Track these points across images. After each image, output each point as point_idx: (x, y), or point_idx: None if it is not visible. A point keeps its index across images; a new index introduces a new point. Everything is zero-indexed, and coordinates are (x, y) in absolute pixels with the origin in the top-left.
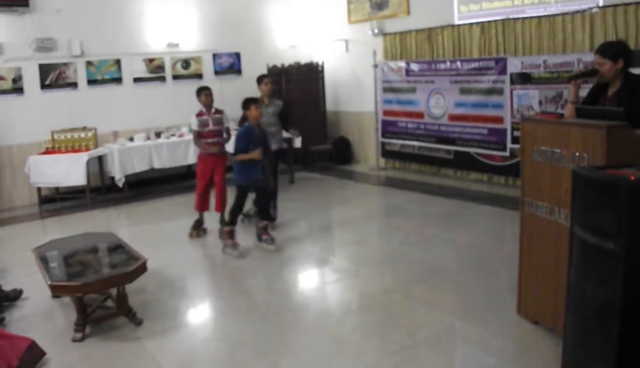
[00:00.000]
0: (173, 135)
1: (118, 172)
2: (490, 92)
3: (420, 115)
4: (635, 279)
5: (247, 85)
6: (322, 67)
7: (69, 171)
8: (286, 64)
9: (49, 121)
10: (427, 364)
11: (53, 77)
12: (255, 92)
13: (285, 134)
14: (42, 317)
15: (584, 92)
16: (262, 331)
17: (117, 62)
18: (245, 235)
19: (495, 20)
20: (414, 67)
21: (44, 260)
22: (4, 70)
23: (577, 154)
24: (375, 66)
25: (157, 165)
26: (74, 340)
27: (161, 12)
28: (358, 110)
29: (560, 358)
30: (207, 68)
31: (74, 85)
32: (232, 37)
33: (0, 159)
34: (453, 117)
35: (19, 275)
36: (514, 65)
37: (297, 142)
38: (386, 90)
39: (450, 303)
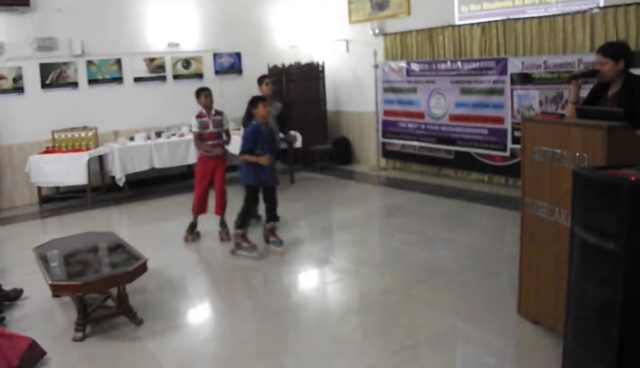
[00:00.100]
0: (173, 134)
1: (118, 172)
2: (490, 92)
3: (420, 115)
4: (635, 279)
5: (247, 85)
6: (323, 67)
7: (70, 171)
8: (287, 64)
9: (49, 121)
10: (427, 364)
11: (54, 77)
12: (255, 92)
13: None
14: (42, 316)
15: (584, 92)
16: (263, 331)
17: (118, 62)
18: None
19: (496, 21)
20: (415, 67)
21: (44, 260)
22: (4, 70)
23: (577, 154)
24: (376, 66)
25: (157, 164)
26: (75, 340)
27: (162, 12)
28: (359, 110)
29: (560, 358)
30: (208, 68)
31: (74, 84)
32: (232, 36)
33: (1, 158)
34: (454, 117)
35: (19, 274)
36: (515, 65)
37: (298, 142)
38: (387, 90)
39: (450, 303)
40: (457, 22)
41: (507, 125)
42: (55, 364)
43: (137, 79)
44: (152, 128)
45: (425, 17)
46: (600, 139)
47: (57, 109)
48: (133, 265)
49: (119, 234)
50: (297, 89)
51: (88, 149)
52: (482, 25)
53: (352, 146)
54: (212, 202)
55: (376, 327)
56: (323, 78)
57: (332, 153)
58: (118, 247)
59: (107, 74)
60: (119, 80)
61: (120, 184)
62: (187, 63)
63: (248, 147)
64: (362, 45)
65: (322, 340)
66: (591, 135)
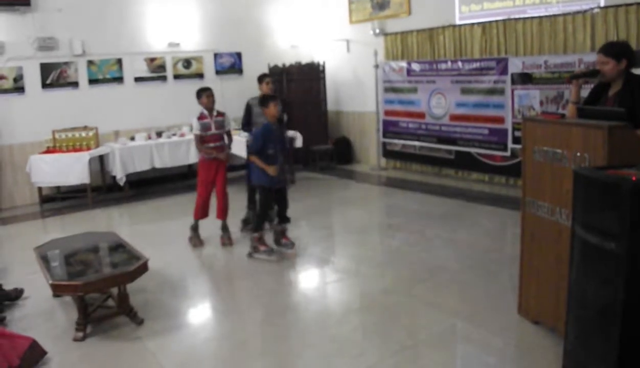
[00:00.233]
0: (174, 134)
1: (119, 172)
2: (491, 92)
3: (421, 115)
4: (636, 279)
5: (248, 85)
6: (323, 67)
7: (70, 170)
8: (287, 63)
9: (50, 120)
10: (427, 364)
11: (54, 77)
12: (255, 91)
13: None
14: (43, 316)
15: (585, 92)
16: (263, 331)
17: (119, 62)
18: (242, 239)
19: (497, 21)
20: (415, 67)
21: (45, 260)
22: (5, 70)
23: (578, 154)
24: (377, 66)
25: (158, 164)
26: (75, 340)
27: (162, 12)
28: (359, 110)
29: (561, 359)
30: (208, 68)
31: (75, 84)
32: (233, 36)
33: (2, 158)
34: (454, 117)
35: (20, 274)
36: (515, 65)
37: (299, 142)
38: (387, 90)
39: (451, 303)
40: (458, 22)
41: (508, 125)
42: (56, 364)
43: (138, 79)
44: (152, 128)
45: (426, 17)
46: (601, 138)
47: (57, 108)
48: (134, 265)
49: (120, 234)
50: (297, 89)
51: (89, 148)
52: (483, 25)
53: (352, 146)
54: (212, 202)
55: (376, 327)
56: (323, 78)
57: (332, 153)
58: (119, 246)
59: (108, 74)
60: (119, 80)
61: (121, 183)
62: (187, 63)
63: (258, 146)
64: (363, 45)
65: (322, 340)
66: (592, 135)
